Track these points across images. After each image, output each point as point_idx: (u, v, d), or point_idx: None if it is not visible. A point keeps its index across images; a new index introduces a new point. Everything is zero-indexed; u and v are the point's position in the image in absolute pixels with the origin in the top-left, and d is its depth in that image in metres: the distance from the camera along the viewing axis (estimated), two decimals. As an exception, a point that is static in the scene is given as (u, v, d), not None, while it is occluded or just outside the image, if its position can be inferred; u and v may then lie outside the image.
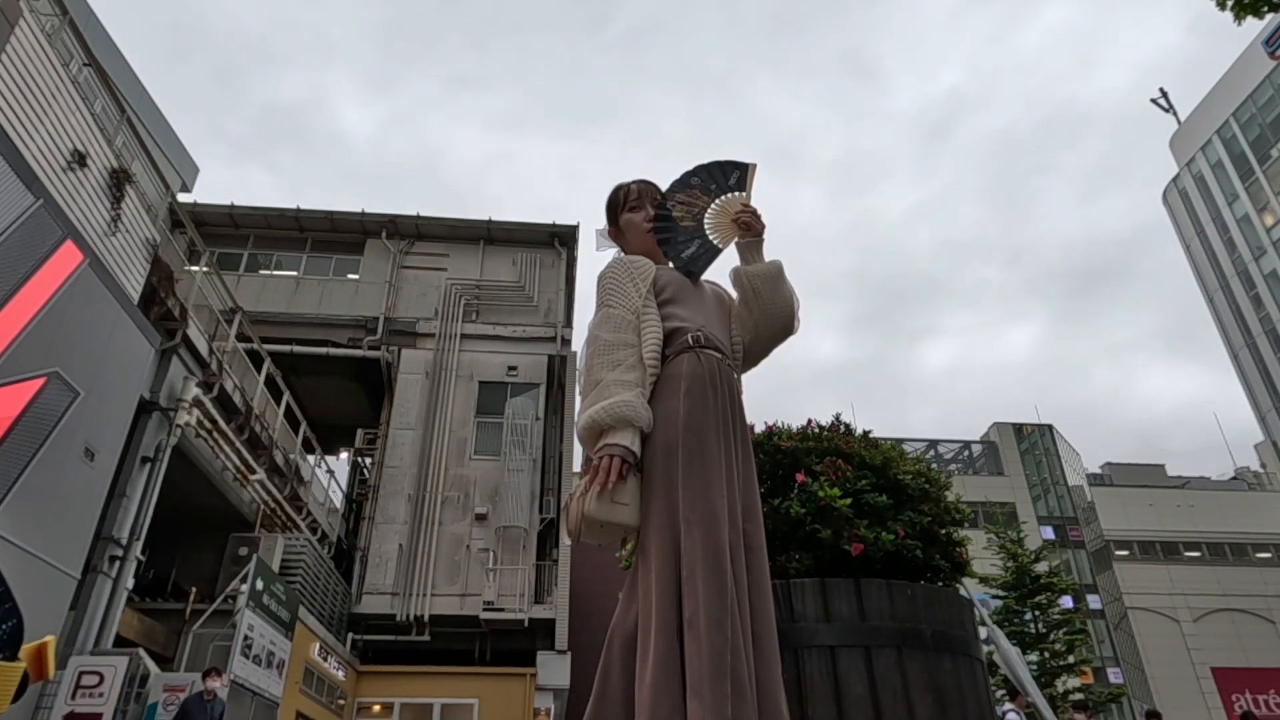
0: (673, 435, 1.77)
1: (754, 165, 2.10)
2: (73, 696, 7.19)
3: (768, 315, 2.08)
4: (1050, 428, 40.65)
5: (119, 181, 8.50)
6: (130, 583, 8.58)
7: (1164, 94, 39.84)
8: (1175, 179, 39.79)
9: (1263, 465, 43.46)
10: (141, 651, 8.04)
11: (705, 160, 2.13)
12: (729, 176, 2.10)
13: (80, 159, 7.73)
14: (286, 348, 16.33)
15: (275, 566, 11.26)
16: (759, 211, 2.09)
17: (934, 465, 3.59)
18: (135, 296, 8.67)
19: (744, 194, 2.11)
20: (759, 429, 3.17)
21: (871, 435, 3.21)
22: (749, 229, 2.08)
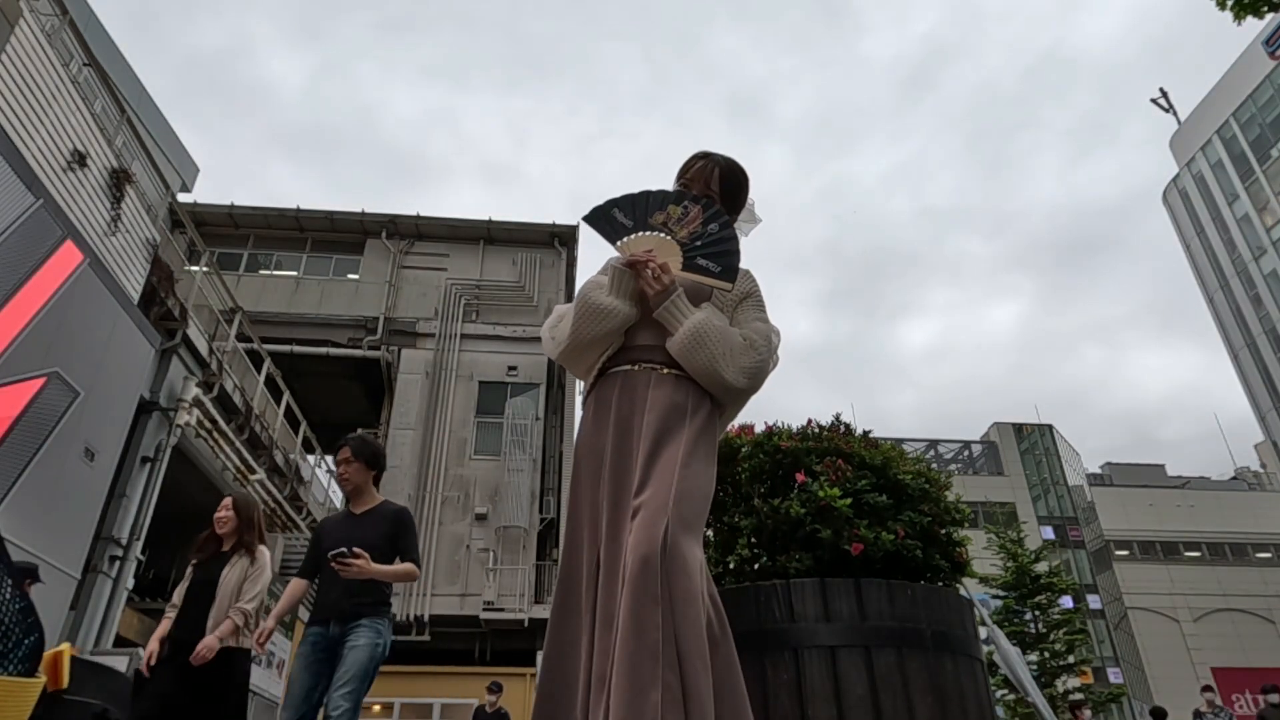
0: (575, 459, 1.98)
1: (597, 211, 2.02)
2: (73, 696, 7.19)
3: (700, 380, 1.92)
4: (1050, 427, 40.68)
5: (119, 181, 8.50)
6: (130, 583, 8.58)
7: (1164, 94, 39.85)
8: (1175, 179, 39.78)
9: (1263, 465, 43.47)
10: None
11: (644, 181, 2.06)
12: (630, 210, 2.01)
13: (80, 159, 7.73)
14: (286, 348, 16.33)
15: (275, 566, 11.26)
16: (645, 260, 1.93)
17: (934, 465, 3.59)
18: (135, 296, 8.67)
19: (637, 235, 1.99)
20: (759, 429, 3.17)
21: (871, 435, 3.21)
22: (654, 282, 1.91)
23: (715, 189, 2.10)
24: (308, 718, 3.12)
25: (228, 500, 4.07)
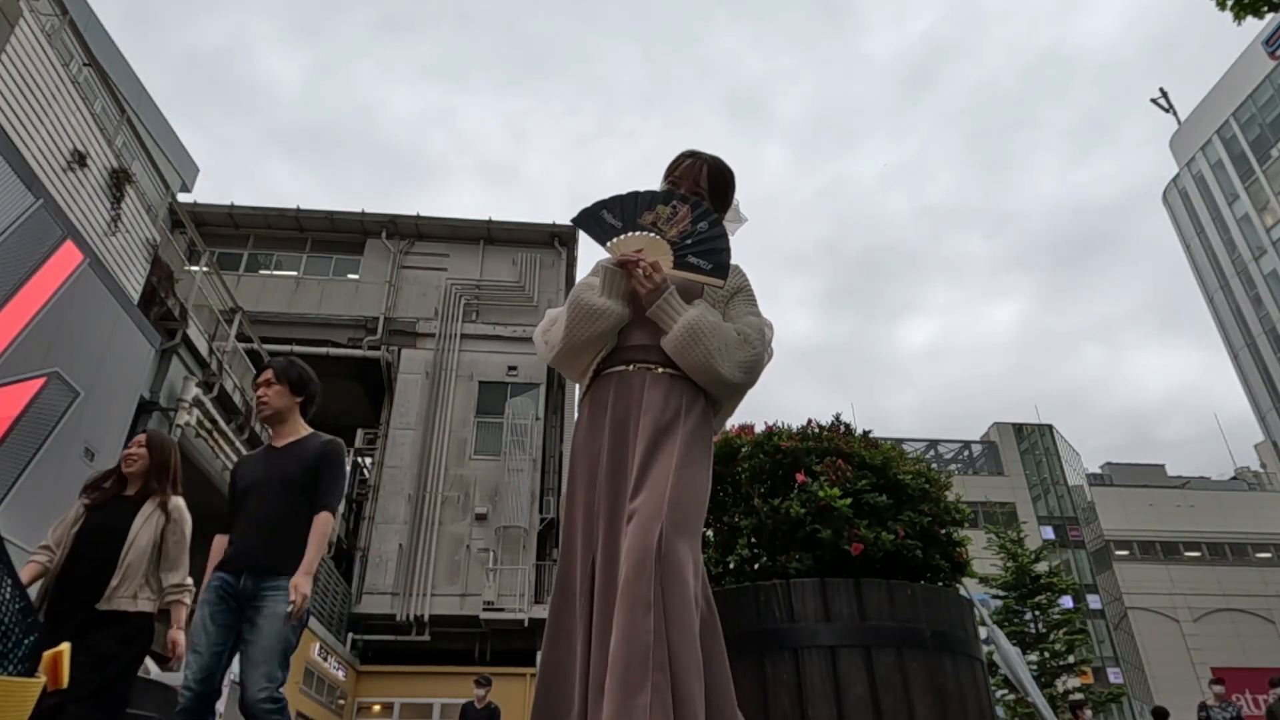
0: (570, 463, 1.96)
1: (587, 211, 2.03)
2: (73, 696, 7.17)
3: (696, 377, 1.93)
4: (1050, 427, 40.70)
5: (119, 181, 8.50)
6: (130, 583, 8.57)
7: (1164, 94, 39.85)
8: (1175, 179, 39.78)
9: (1263, 465, 43.48)
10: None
11: (632, 187, 2.03)
12: (621, 210, 2.02)
13: (80, 159, 7.73)
14: (286, 348, 16.32)
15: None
16: (635, 259, 1.94)
17: (934, 465, 3.59)
18: (135, 296, 8.67)
19: (630, 234, 1.99)
20: (759, 429, 3.17)
21: (871, 435, 3.21)
22: (647, 280, 1.91)
23: (703, 187, 2.12)
24: (216, 678, 2.74)
25: (141, 436, 3.48)
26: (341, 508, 17.34)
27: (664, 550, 1.61)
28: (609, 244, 1.99)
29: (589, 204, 2.02)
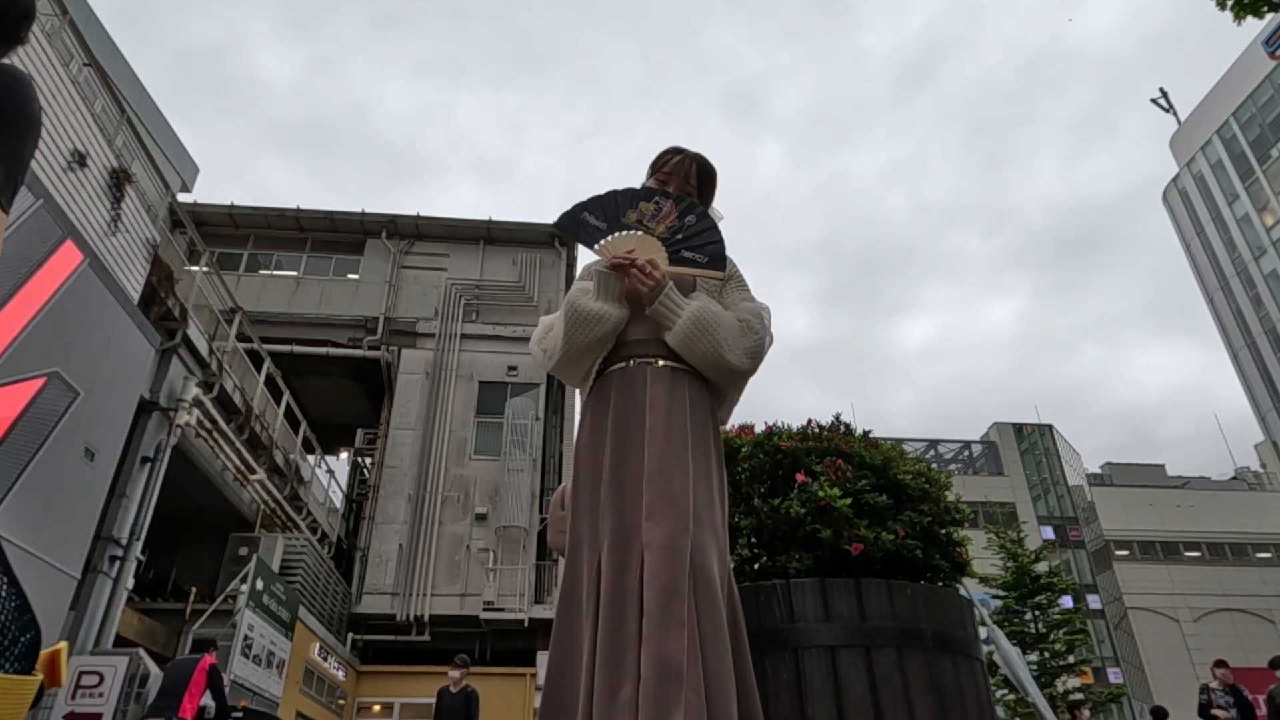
0: (575, 464, 1.95)
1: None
2: (72, 696, 7.19)
3: (703, 369, 1.94)
4: (1050, 428, 40.72)
5: (119, 181, 8.49)
6: (130, 583, 8.58)
7: (1164, 94, 39.85)
8: (1175, 179, 39.78)
9: (1263, 465, 43.48)
10: (141, 651, 8.03)
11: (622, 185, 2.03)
12: (604, 209, 2.01)
13: (80, 159, 7.72)
14: (286, 348, 16.33)
15: (275, 566, 11.26)
16: (630, 259, 1.92)
17: (934, 465, 3.59)
18: (135, 296, 8.66)
19: (618, 235, 1.97)
20: (759, 429, 3.16)
21: (871, 435, 3.21)
22: (646, 279, 1.91)
23: (693, 183, 2.13)
24: None
25: None
26: (342, 508, 17.36)
27: (695, 568, 1.62)
28: (597, 246, 1.97)
29: (568, 208, 2.00)
